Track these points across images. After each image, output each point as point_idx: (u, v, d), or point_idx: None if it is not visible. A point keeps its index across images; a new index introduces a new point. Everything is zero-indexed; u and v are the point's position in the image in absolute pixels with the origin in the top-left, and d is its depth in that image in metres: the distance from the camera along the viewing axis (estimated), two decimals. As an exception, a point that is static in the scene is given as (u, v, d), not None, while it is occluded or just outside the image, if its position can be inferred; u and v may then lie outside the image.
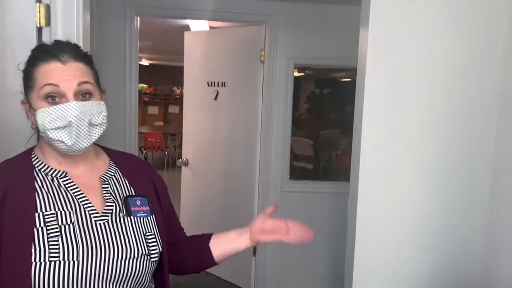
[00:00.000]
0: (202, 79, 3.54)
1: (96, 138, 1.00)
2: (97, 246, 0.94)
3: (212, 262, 1.14)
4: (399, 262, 1.95)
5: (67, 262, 0.90)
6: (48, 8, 1.49)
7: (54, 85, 0.95)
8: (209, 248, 1.14)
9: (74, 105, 0.94)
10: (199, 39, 3.58)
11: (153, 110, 11.98)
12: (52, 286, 0.89)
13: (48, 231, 0.91)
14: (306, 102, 5.07)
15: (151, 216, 1.06)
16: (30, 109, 0.99)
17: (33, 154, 1.03)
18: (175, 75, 12.40)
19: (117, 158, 1.13)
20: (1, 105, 1.48)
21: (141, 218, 1.03)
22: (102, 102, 1.02)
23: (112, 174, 1.08)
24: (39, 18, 1.48)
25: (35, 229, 0.91)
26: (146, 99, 11.87)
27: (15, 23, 1.47)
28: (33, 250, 0.88)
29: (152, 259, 1.02)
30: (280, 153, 3.21)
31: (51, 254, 0.89)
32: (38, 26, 1.48)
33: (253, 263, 3.37)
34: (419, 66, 1.83)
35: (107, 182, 1.05)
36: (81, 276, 0.91)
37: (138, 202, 1.04)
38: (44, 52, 0.98)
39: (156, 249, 1.02)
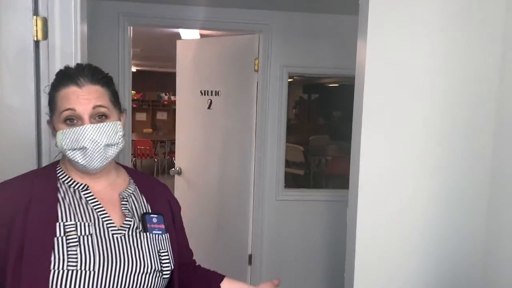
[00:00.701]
0: (195, 87, 3.51)
1: (112, 157, 1.05)
2: (113, 258, 0.98)
3: None
4: (399, 269, 1.96)
5: (84, 272, 0.93)
6: (45, 21, 1.47)
7: (71, 109, 1.00)
8: (219, 286, 1.19)
9: (88, 128, 1.00)
10: (191, 47, 3.56)
11: (141, 116, 11.88)
12: None
13: (68, 241, 0.95)
14: (295, 107, 5.08)
15: (166, 234, 1.10)
16: (53, 130, 1.05)
17: (58, 166, 1.09)
18: (163, 81, 12.33)
19: (137, 176, 1.18)
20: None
21: (157, 235, 1.07)
22: (119, 122, 1.06)
23: (131, 191, 1.13)
24: (36, 31, 1.46)
25: (55, 238, 0.94)
26: (134, 105, 11.77)
27: (12, 37, 1.44)
28: (52, 259, 0.92)
29: (164, 276, 1.05)
30: (275, 161, 3.21)
31: (70, 263, 0.93)
32: (35, 39, 1.46)
33: (248, 272, 3.35)
34: (417, 77, 1.84)
35: (126, 199, 1.09)
36: (96, 286, 0.94)
37: (155, 220, 1.08)
38: (65, 77, 1.03)
39: (168, 266, 1.06)
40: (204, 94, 3.45)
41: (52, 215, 0.97)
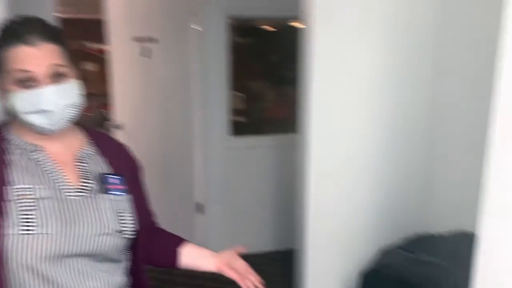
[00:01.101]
0: (128, 33, 3.30)
1: (71, 118, 1.00)
2: (70, 220, 0.95)
3: (173, 265, 1.16)
4: (351, 206, 2.06)
5: (40, 236, 0.90)
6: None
7: (25, 71, 0.93)
8: (178, 251, 1.16)
9: (49, 90, 0.93)
10: (122, -10, 3.30)
11: (66, 68, 11.12)
12: (25, 258, 0.90)
13: (21, 204, 0.91)
14: (232, 52, 4.99)
15: (127, 195, 1.06)
16: (2, 91, 0.97)
17: (7, 128, 1.01)
18: (88, 29, 11.46)
19: (95, 137, 1.12)
20: None
21: (116, 196, 1.03)
22: (78, 81, 1.00)
23: (89, 152, 1.07)
24: None
25: (7, 203, 0.90)
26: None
27: None
28: (4, 223, 0.89)
29: (126, 236, 1.03)
30: (219, 109, 3.17)
31: (23, 227, 0.89)
32: None
33: (198, 221, 3.38)
34: (367, 14, 1.85)
35: (82, 160, 1.04)
36: (53, 250, 0.92)
37: (114, 181, 1.04)
38: (12, 35, 0.94)
39: (128, 227, 1.03)
40: (140, 42, 3.26)
41: (1, 180, 0.92)
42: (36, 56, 0.93)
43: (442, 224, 1.92)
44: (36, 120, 0.95)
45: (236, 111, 3.62)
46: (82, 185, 1.00)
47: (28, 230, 0.90)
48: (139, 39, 3.26)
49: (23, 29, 0.94)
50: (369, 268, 1.80)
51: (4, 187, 0.92)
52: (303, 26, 1.92)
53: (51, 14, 2.71)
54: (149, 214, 1.22)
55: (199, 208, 3.36)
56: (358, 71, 1.93)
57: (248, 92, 4.92)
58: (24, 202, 0.91)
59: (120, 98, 3.53)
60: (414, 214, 2.11)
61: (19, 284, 0.91)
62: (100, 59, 10.47)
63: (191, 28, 3.06)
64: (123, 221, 1.02)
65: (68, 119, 0.99)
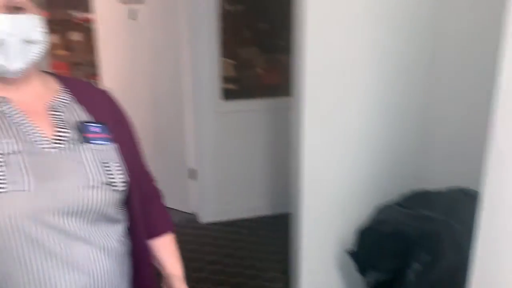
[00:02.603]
0: (114, -3, 3.19)
1: (34, 57, 0.88)
2: (49, 174, 0.84)
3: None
4: (345, 167, 2.04)
5: (14, 193, 0.80)
6: None
7: None
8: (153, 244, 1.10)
9: (3, 19, 0.82)
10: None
11: (52, 39, 10.85)
12: (3, 217, 0.80)
13: None
14: (221, 20, 4.87)
15: (112, 144, 0.95)
16: None
17: None
18: (72, -3, 11.16)
19: (71, 84, 0.99)
20: None
21: (99, 146, 0.92)
22: (39, 16, 0.88)
23: (64, 100, 0.95)
24: None
25: None
26: (42, 26, 10.62)
27: None
28: None
29: (116, 189, 0.91)
30: (209, 73, 3.10)
31: None
32: None
33: (191, 186, 3.37)
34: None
35: (56, 109, 0.93)
36: (34, 207, 0.81)
37: (96, 129, 0.93)
38: None
39: (118, 178, 0.92)
40: (126, 3, 3.14)
41: None
42: None
43: (438, 181, 1.91)
44: None
45: (227, 78, 3.55)
46: (58, 136, 0.89)
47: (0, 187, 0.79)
48: (125, 1, 3.15)
49: None
50: (365, 225, 1.79)
51: None
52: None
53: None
54: (142, 168, 1.10)
55: (192, 173, 3.34)
56: (353, 31, 1.87)
57: (239, 59, 4.84)
58: None
59: (107, 65, 3.44)
60: (411, 172, 2.11)
61: (3, 246, 0.81)
62: (86, 28, 10.20)
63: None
64: (109, 172, 0.91)
65: (28, 57, 0.87)
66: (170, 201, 4.11)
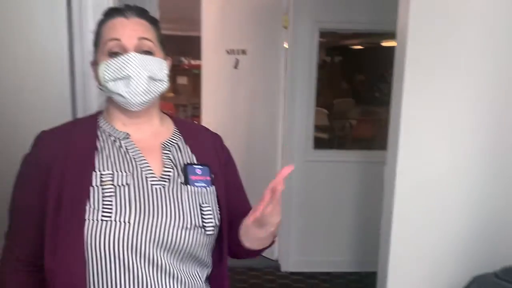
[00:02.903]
0: (220, 47, 3.43)
1: (156, 94, 0.98)
2: (150, 210, 0.92)
3: (245, 252, 1.02)
4: (438, 229, 1.91)
5: (118, 223, 0.89)
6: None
7: (116, 39, 0.95)
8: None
9: (133, 56, 0.93)
10: (217, 4, 3.45)
11: (162, 81, 11.90)
12: (104, 245, 0.88)
13: (103, 191, 0.91)
14: (318, 70, 4.96)
15: (211, 187, 1.01)
16: (95, 67, 0.99)
17: (100, 116, 1.04)
18: (183, 45, 12.20)
19: (183, 126, 1.10)
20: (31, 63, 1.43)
21: (199, 188, 0.98)
22: (164, 61, 1.00)
23: (175, 141, 1.05)
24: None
25: (90, 188, 0.91)
26: (155, 70, 11.69)
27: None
28: (87, 208, 0.89)
29: (208, 233, 0.96)
30: (304, 121, 3.15)
31: (104, 214, 0.89)
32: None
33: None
34: (464, 33, 1.73)
35: (168, 149, 1.02)
36: (132, 239, 0.89)
37: (198, 171, 1.00)
38: (112, 10, 0.99)
39: (210, 222, 0.96)
40: (231, 54, 3.36)
41: (89, 164, 0.93)
42: (127, 27, 0.96)
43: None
44: (118, 88, 0.94)
45: (319, 127, 3.58)
46: (165, 175, 0.97)
47: (106, 217, 0.89)
48: (230, 52, 3.37)
49: (122, 7, 0.99)
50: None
51: (93, 172, 0.92)
52: (396, 43, 1.85)
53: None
54: (243, 208, 1.08)
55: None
56: (453, 90, 1.79)
57: (333, 109, 4.85)
58: (105, 188, 0.91)
59: (207, 108, 3.66)
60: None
61: (101, 271, 0.90)
62: (193, 74, 11.02)
63: (280, 40, 3.09)
64: (203, 216, 0.96)
65: (150, 94, 0.96)
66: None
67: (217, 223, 0.99)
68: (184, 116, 9.60)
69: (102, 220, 0.88)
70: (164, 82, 0.99)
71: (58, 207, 0.90)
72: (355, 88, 4.88)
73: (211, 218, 0.97)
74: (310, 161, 3.20)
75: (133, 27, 0.96)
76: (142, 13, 0.99)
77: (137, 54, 0.94)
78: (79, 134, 0.98)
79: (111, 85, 0.95)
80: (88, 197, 0.90)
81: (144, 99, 0.96)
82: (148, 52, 0.96)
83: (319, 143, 3.38)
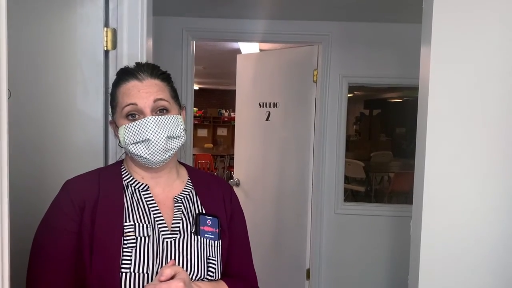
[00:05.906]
0: (253, 100, 3.56)
1: (174, 151, 1.04)
2: (163, 263, 0.96)
3: None
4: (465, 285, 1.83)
5: (136, 274, 0.92)
6: (114, 32, 1.56)
7: (132, 104, 1.00)
8: None
9: (150, 120, 0.99)
10: (251, 61, 3.62)
11: (202, 132, 12.21)
12: None
13: (125, 242, 0.94)
14: (355, 123, 4.95)
15: (218, 241, 1.05)
16: (116, 129, 1.06)
17: (123, 166, 1.09)
18: (223, 98, 12.67)
19: (196, 177, 1.14)
20: (71, 123, 1.55)
21: (208, 240, 1.03)
22: (180, 116, 1.05)
23: (186, 193, 1.09)
24: (106, 41, 1.55)
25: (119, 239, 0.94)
26: (196, 122, 12.12)
27: (85, 47, 1.54)
28: (111, 259, 0.92)
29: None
30: (334, 174, 3.15)
31: (123, 265, 0.92)
32: (106, 49, 1.55)
33: (306, 287, 3.29)
34: (487, 81, 1.74)
35: (180, 200, 1.07)
36: None
37: (209, 222, 1.04)
38: (125, 73, 1.05)
39: (213, 276, 1.01)
40: (263, 106, 3.48)
41: (120, 214, 0.97)
42: (142, 90, 1.00)
43: None
44: (139, 150, 0.99)
45: (355, 180, 3.56)
46: (176, 227, 1.02)
47: (126, 268, 0.92)
48: (263, 104, 3.49)
49: (134, 68, 1.05)
50: None
51: (123, 223, 0.96)
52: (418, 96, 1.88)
53: (191, 84, 3.10)
54: (242, 267, 1.13)
55: (308, 273, 3.28)
56: (478, 145, 1.78)
57: (369, 162, 4.81)
58: (127, 240, 0.94)
59: (241, 157, 3.74)
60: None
61: None
62: (232, 125, 11.27)
63: (311, 94, 3.19)
64: (210, 270, 1.01)
65: (169, 151, 1.01)
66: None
67: (218, 276, 1.03)
68: (221, 166, 9.79)
69: (121, 271, 0.91)
70: (182, 138, 1.04)
71: (90, 254, 0.92)
72: (394, 141, 4.84)
73: (214, 272, 1.01)
74: (340, 214, 3.17)
75: (147, 90, 1.01)
76: (154, 71, 1.05)
77: (153, 117, 0.99)
78: (106, 182, 1.02)
79: (132, 148, 1.00)
80: (121, 248, 0.92)
81: (164, 157, 1.02)
82: (164, 110, 1.02)
83: (355, 196, 3.35)
